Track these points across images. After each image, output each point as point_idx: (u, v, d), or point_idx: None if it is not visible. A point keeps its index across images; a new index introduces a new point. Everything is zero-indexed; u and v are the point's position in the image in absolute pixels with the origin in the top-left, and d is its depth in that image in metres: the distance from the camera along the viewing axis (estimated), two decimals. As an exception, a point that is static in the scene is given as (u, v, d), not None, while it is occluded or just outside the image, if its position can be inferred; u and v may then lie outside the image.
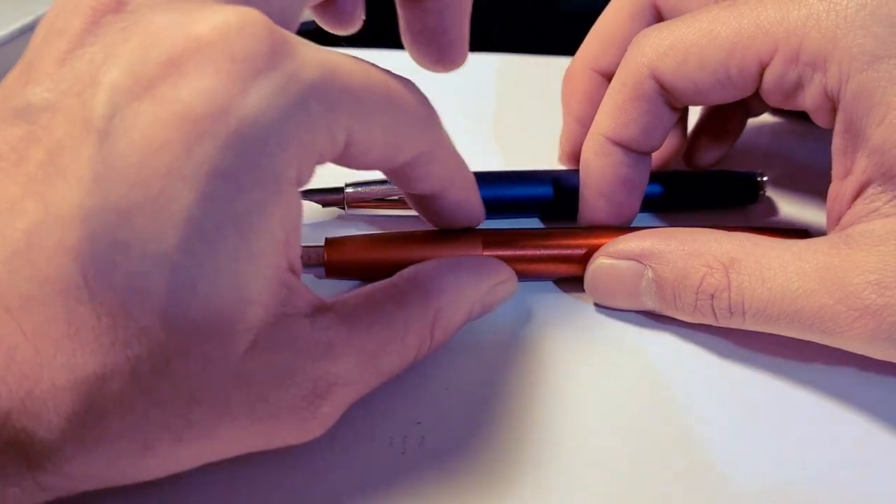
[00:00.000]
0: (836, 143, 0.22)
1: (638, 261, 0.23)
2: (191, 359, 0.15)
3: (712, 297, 0.22)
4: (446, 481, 0.20)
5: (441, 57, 0.22)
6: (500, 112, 0.32)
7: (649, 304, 0.24)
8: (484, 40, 0.37)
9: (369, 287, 0.21)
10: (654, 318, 0.24)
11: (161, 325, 0.15)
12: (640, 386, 0.23)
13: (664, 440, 0.21)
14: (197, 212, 0.15)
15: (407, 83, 0.19)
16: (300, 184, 0.17)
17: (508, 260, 0.24)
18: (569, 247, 0.25)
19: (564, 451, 0.21)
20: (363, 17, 0.24)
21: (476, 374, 0.23)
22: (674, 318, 0.24)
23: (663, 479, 0.20)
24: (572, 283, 0.25)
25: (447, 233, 0.24)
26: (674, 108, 0.24)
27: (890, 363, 0.21)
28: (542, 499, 0.20)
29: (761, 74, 0.22)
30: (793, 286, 0.20)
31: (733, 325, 0.22)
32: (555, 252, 0.25)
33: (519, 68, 0.34)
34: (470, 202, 0.23)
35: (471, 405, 0.22)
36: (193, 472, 0.19)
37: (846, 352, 0.21)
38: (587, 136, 0.25)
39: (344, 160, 0.18)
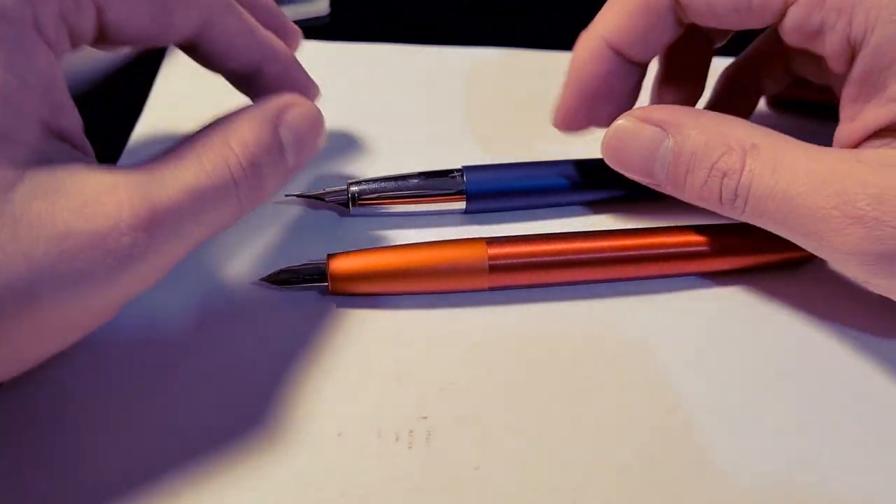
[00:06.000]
0: (849, 90, 0.22)
1: (662, 128, 0.23)
2: None
3: (724, 175, 0.22)
4: (452, 476, 0.21)
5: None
6: (501, 108, 0.32)
7: (659, 175, 0.24)
8: (482, 35, 0.37)
9: None
10: (660, 315, 0.25)
11: None
12: (644, 384, 0.23)
13: (670, 438, 0.22)
14: None
15: None
16: (49, 40, 0.18)
17: (515, 267, 0.25)
18: (574, 251, 0.25)
19: (569, 447, 0.22)
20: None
21: (482, 369, 0.23)
22: (680, 314, 0.24)
23: (669, 476, 0.21)
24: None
25: (451, 241, 0.25)
26: (681, 24, 0.24)
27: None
28: (547, 494, 0.21)
29: (784, 12, 0.22)
30: (798, 182, 0.21)
31: (731, 214, 0.23)
32: (561, 258, 0.25)
33: (520, 64, 0.35)
34: (293, 73, 0.25)
35: (477, 400, 0.23)
36: (203, 468, 0.21)
37: (853, 348, 0.21)
38: (585, 32, 0.25)
39: (105, 32, 0.20)
